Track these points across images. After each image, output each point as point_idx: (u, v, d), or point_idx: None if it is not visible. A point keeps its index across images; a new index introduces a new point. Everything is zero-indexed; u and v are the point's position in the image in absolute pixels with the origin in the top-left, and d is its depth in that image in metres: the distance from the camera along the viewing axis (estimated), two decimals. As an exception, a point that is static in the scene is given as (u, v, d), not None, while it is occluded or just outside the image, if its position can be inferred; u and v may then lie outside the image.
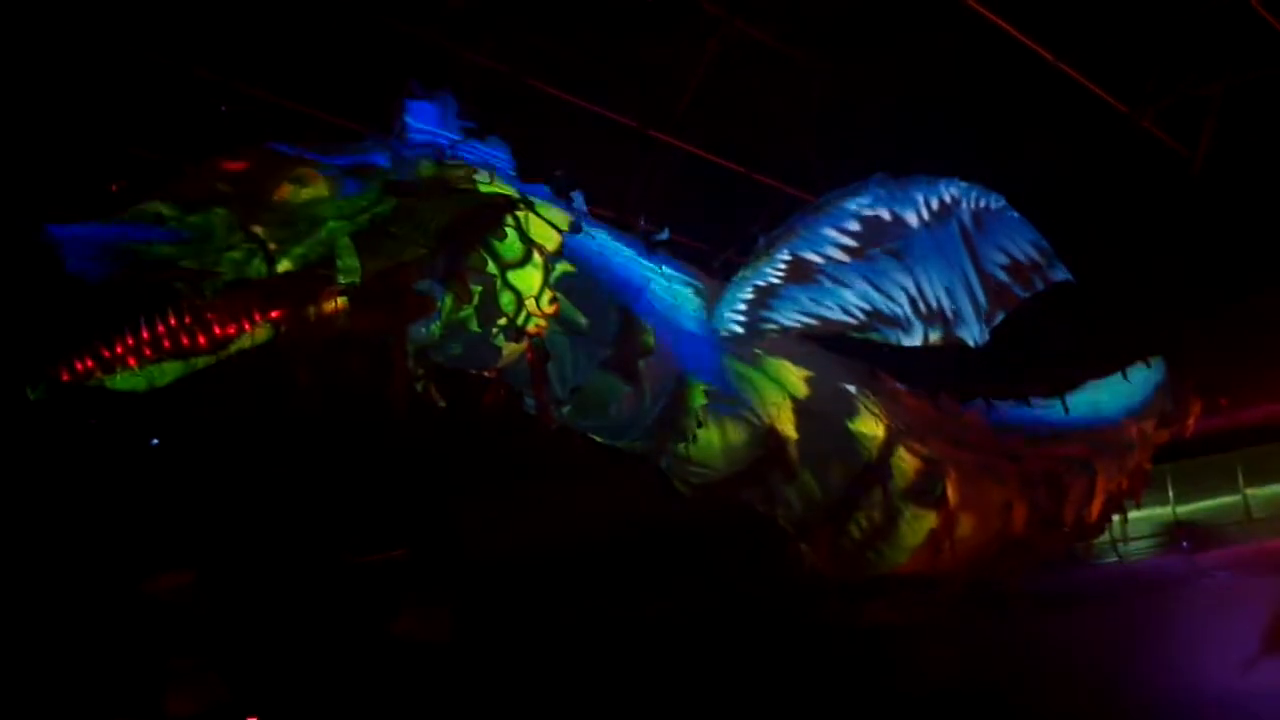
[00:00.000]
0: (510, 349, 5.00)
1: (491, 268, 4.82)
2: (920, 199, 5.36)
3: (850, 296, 5.58)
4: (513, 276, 4.88)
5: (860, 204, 5.39)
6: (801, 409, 6.15)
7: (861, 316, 5.67)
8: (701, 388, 5.70)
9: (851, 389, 6.56)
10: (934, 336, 5.70)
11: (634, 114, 8.52)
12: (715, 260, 8.96)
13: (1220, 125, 9.12)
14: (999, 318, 5.66)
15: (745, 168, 9.17)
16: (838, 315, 5.64)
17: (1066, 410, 7.94)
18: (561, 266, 5.08)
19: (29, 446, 8.48)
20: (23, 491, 9.09)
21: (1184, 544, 11.38)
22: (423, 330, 4.70)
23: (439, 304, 4.68)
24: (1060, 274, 5.64)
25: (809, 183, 8.46)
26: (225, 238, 4.22)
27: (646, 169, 9.04)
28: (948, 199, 5.36)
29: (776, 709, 11.96)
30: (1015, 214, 5.52)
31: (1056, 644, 11.53)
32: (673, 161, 9.05)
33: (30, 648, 9.63)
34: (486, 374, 5.14)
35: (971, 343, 5.63)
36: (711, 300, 5.77)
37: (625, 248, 5.59)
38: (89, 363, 4.05)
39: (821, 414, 6.28)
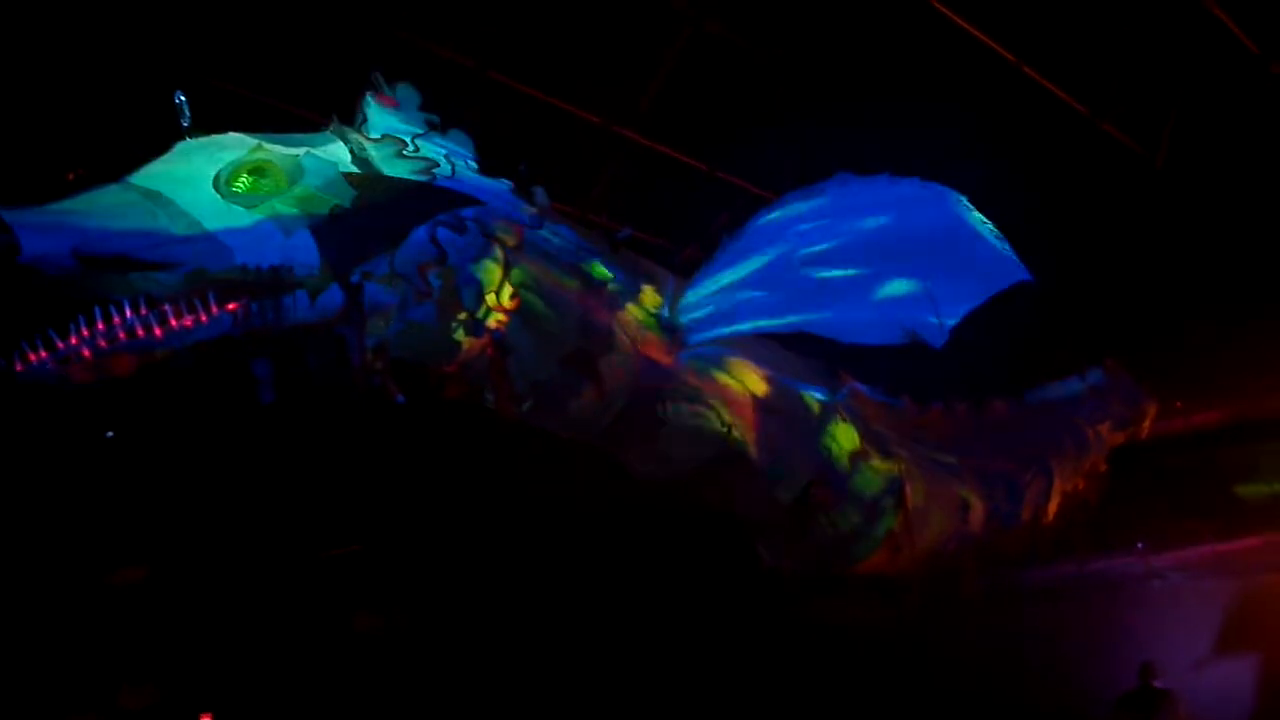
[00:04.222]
0: (470, 343, 4.97)
1: (451, 262, 4.79)
2: (881, 198, 5.36)
3: (810, 296, 5.57)
4: (473, 270, 4.86)
5: (822, 203, 5.38)
6: (762, 408, 6.15)
7: (822, 316, 5.65)
8: (663, 386, 5.69)
9: (812, 388, 6.58)
10: (894, 337, 5.70)
11: (598, 110, 8.49)
12: (677, 257, 8.96)
13: (1180, 128, 9.19)
14: (959, 319, 5.67)
15: (708, 166, 9.17)
16: (798, 315, 5.63)
17: (1024, 412, 8.00)
18: (522, 261, 5.06)
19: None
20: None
21: (1138, 544, 11.50)
22: (381, 324, 4.66)
23: (397, 298, 4.64)
24: (1021, 274, 5.65)
25: (772, 181, 8.44)
26: (180, 227, 4.16)
27: (610, 165, 9.01)
28: (909, 198, 5.37)
29: (737, 708, 11.96)
30: (977, 213, 5.52)
31: (1011, 643, 11.61)
32: (636, 158, 9.02)
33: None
34: (446, 368, 5.11)
35: (931, 344, 5.63)
36: (673, 298, 5.75)
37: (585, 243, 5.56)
38: (43, 355, 3.97)
39: (782, 413, 6.29)
